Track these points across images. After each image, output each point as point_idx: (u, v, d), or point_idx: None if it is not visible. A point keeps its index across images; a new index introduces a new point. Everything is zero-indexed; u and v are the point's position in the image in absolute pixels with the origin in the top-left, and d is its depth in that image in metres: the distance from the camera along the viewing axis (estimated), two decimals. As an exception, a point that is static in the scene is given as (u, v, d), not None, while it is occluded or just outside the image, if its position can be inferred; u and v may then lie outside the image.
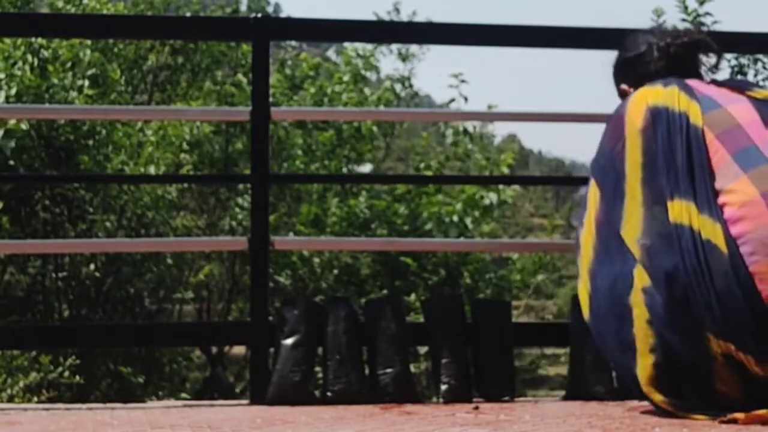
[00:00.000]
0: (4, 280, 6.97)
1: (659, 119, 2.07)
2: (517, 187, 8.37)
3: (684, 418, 1.93)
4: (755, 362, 1.89)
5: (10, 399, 5.06)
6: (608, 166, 2.14)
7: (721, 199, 1.97)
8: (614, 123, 2.17)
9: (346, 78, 8.36)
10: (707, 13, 6.16)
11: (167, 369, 7.02)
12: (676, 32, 2.32)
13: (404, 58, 9.34)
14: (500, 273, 7.79)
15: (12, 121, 6.08)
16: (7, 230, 5.91)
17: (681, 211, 1.98)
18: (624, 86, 2.32)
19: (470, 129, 8.45)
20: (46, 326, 5.56)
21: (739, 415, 1.86)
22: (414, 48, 9.40)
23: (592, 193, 2.17)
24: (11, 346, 4.07)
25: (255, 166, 2.58)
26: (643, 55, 2.29)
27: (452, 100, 8.39)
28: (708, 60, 2.30)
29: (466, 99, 8.28)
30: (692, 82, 2.17)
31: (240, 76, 8.32)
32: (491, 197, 7.60)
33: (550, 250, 7.69)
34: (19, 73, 6.40)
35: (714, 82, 2.26)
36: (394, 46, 9.35)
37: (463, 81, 8.24)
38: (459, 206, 7.50)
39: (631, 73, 2.31)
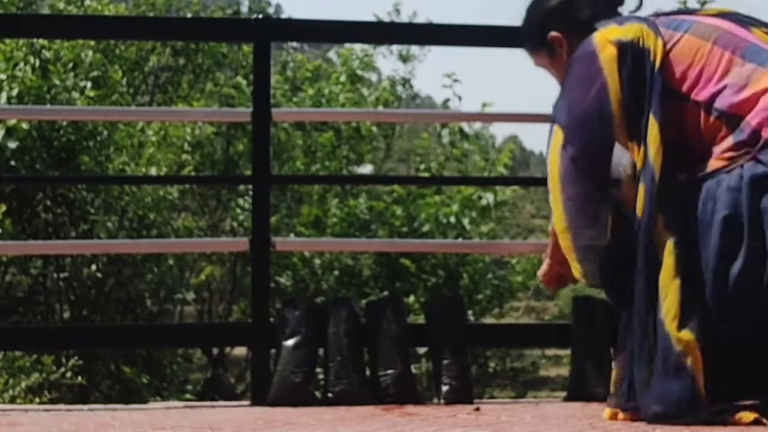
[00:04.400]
0: (5, 281, 6.97)
1: (625, 55, 2.03)
2: (515, 186, 8.37)
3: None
4: None
5: (12, 400, 5.05)
6: (590, 113, 2.05)
7: (746, 92, 1.98)
8: (583, 63, 2.09)
9: (342, 78, 8.36)
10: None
11: (168, 370, 7.01)
12: None
13: (405, 59, 9.34)
14: (500, 274, 7.78)
15: (12, 121, 6.08)
16: (8, 231, 5.90)
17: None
18: (555, 33, 2.24)
19: (466, 129, 8.46)
20: (47, 327, 5.56)
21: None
22: (415, 49, 9.41)
23: (556, 149, 2.09)
24: (13, 347, 4.07)
25: (256, 167, 2.59)
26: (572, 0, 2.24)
27: (447, 101, 8.42)
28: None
29: (460, 98, 8.33)
30: (651, 17, 2.15)
31: (239, 78, 8.32)
32: (488, 198, 7.60)
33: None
34: (20, 74, 6.40)
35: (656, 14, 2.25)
36: (395, 48, 9.35)
37: (456, 81, 8.28)
38: (456, 207, 7.50)
39: (561, 20, 2.24)
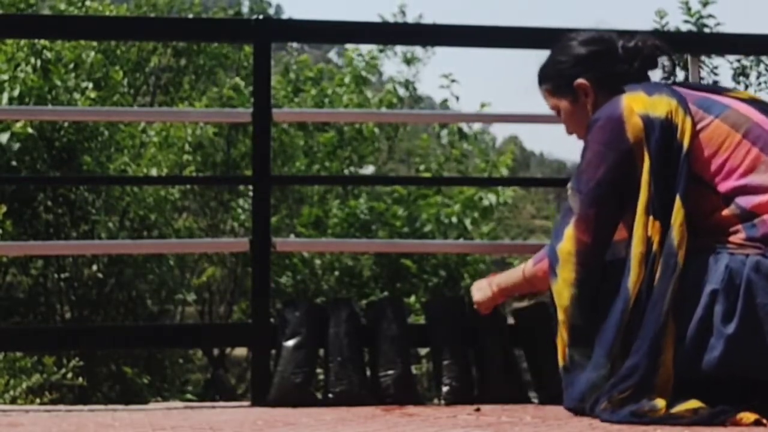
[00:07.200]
0: (6, 282, 6.98)
1: (652, 130, 2.01)
2: (516, 187, 8.37)
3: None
4: None
5: (13, 401, 5.06)
6: (618, 179, 2.04)
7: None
8: (608, 128, 2.05)
9: (347, 80, 8.37)
10: (710, 15, 6.16)
11: (169, 371, 7.02)
12: (635, 34, 2.23)
13: (408, 61, 9.35)
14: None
15: (18, 124, 6.09)
16: (9, 232, 5.91)
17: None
18: (583, 81, 2.20)
19: (465, 129, 8.49)
20: (48, 328, 5.56)
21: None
22: (419, 52, 9.42)
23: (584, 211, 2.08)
24: (14, 348, 4.08)
25: (256, 167, 2.59)
26: (609, 52, 2.20)
27: (445, 101, 8.45)
28: (666, 64, 2.25)
29: (457, 98, 8.39)
30: (682, 90, 2.11)
31: (238, 79, 8.33)
32: (490, 198, 7.61)
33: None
34: (22, 74, 6.41)
35: (680, 84, 2.22)
36: (399, 50, 9.36)
37: (453, 81, 8.32)
38: (457, 207, 7.51)
39: (592, 69, 2.20)
